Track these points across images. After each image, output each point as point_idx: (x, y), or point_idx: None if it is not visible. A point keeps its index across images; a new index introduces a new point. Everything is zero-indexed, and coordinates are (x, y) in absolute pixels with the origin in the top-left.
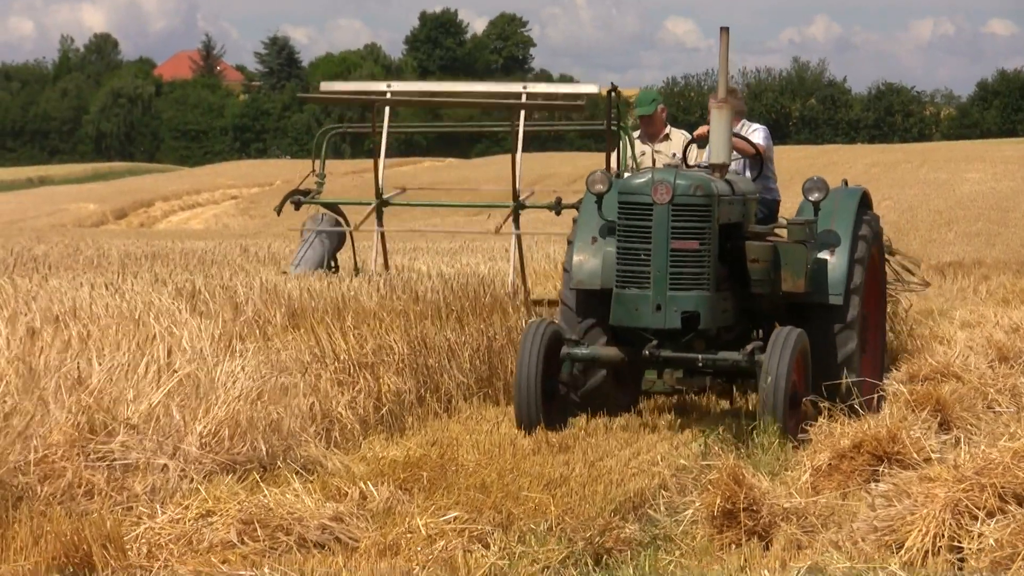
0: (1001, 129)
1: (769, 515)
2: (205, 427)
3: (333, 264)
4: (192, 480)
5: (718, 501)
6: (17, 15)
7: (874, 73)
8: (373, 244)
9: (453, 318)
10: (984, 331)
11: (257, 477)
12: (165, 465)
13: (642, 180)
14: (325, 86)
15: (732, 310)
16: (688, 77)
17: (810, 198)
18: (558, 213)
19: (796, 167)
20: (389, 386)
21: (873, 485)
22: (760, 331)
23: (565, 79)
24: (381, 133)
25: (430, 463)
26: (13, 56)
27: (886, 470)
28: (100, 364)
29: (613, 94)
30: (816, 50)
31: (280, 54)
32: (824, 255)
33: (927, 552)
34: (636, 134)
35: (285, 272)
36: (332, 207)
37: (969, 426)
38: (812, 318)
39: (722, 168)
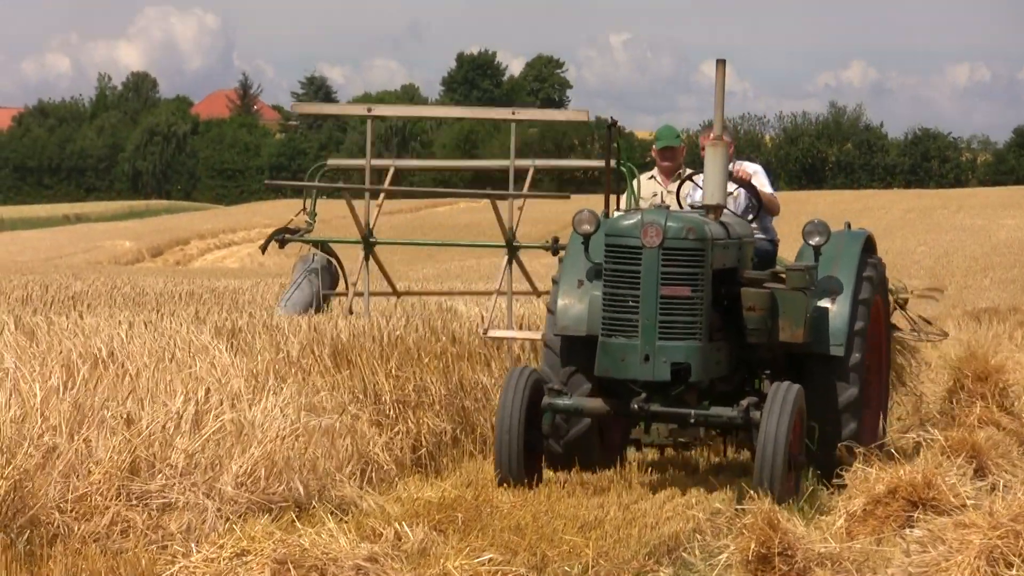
0: None
1: (804, 560)
2: (241, 467)
3: (324, 306)
4: (227, 519)
5: (753, 545)
6: (54, 52)
7: (910, 118)
8: (361, 284)
9: (482, 360)
10: (1020, 376)
11: (293, 517)
12: (201, 504)
13: (631, 221)
14: (302, 107)
15: (726, 361)
16: (725, 121)
17: (811, 242)
18: (555, 253)
19: (831, 212)
20: (428, 427)
21: (908, 531)
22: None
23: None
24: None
25: (465, 504)
26: (50, 94)
27: (921, 516)
28: (144, 406)
29: (613, 129)
30: (852, 95)
31: (317, 94)
32: (825, 303)
33: None
34: (647, 175)
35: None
36: (322, 246)
37: (1005, 472)
38: (811, 369)
39: (717, 210)
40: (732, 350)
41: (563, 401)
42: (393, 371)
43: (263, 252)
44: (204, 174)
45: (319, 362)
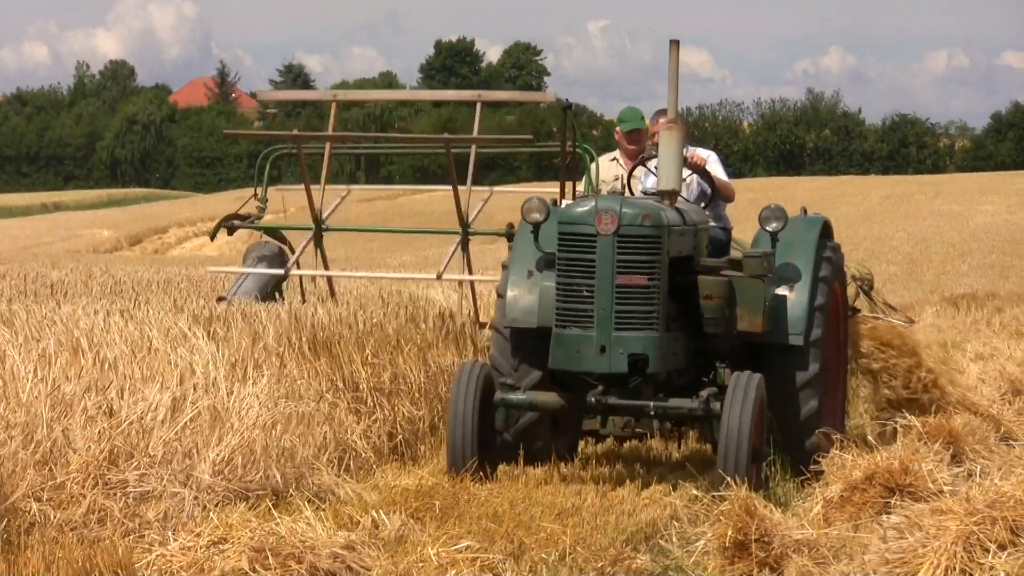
0: (1015, 161)
1: (781, 547)
2: (218, 455)
3: (279, 295)
4: (205, 508)
5: (730, 532)
6: (32, 40)
7: (888, 105)
8: (314, 270)
9: (453, 347)
10: (997, 364)
11: (270, 505)
12: (178, 493)
13: (584, 208)
14: (268, 94)
15: (683, 352)
16: (703, 107)
17: (767, 228)
18: (511, 240)
19: (811, 198)
20: (404, 415)
21: (885, 517)
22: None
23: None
24: (324, 153)
25: (442, 492)
26: (27, 82)
27: (898, 502)
28: (123, 395)
29: (569, 112)
30: (830, 82)
31: (295, 82)
32: (783, 291)
33: None
34: (610, 157)
35: (222, 298)
36: (273, 233)
37: (982, 459)
38: (770, 360)
39: (672, 195)
40: (689, 341)
41: (516, 396)
42: (370, 358)
43: (212, 239)
44: (183, 162)
45: (296, 350)
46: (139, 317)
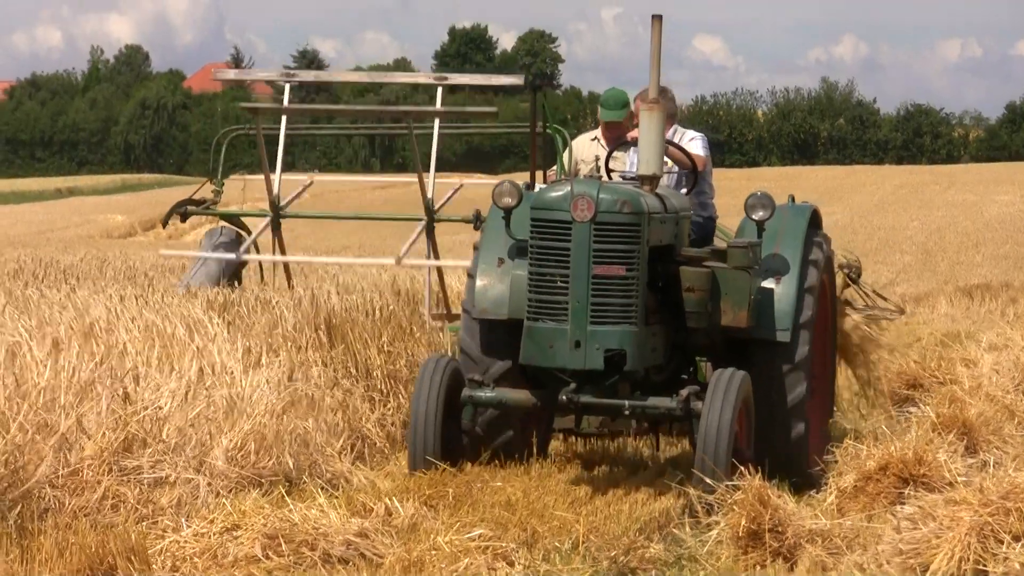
0: None
1: (794, 536)
2: (231, 441)
3: (236, 283)
4: (218, 494)
5: (743, 522)
6: (45, 25)
7: (902, 94)
8: (270, 259)
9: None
10: (1011, 354)
11: (283, 491)
12: (192, 479)
13: (559, 193)
14: (222, 74)
15: (663, 347)
16: (717, 96)
17: (753, 217)
18: (477, 227)
19: (824, 187)
20: None
21: (899, 507)
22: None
23: (594, 97)
24: (279, 137)
25: (455, 480)
26: (41, 67)
27: (912, 492)
28: (139, 382)
29: (539, 93)
30: (843, 70)
31: (309, 67)
32: (769, 284)
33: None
34: (590, 136)
35: (174, 286)
36: (231, 220)
37: (995, 449)
38: (755, 356)
39: (652, 180)
40: (669, 335)
41: (484, 393)
42: (385, 346)
43: (164, 227)
44: (196, 148)
45: (312, 336)
46: (154, 303)
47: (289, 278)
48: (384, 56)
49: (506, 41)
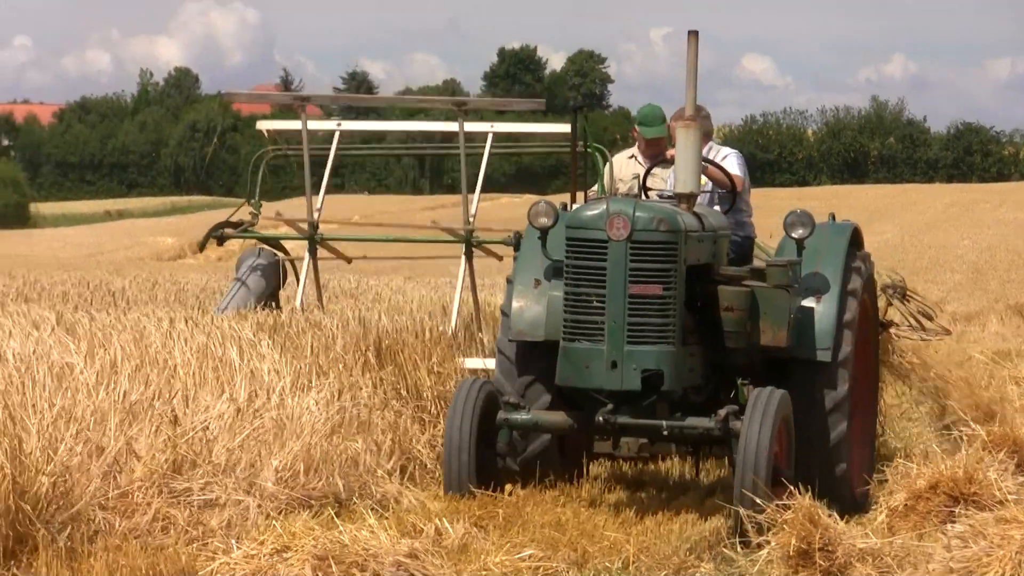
0: None
1: (844, 556)
2: (281, 462)
3: (274, 304)
4: (268, 516)
5: (793, 541)
6: (94, 48)
7: (952, 112)
8: (303, 277)
9: None
10: None
11: (332, 513)
12: (242, 501)
13: (594, 212)
14: (231, 95)
15: (701, 368)
16: (767, 115)
17: (793, 235)
18: (517, 248)
19: (875, 206)
20: None
21: (949, 526)
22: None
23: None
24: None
25: (506, 500)
26: (90, 89)
27: (962, 511)
28: (188, 404)
29: (579, 113)
30: (893, 89)
31: (358, 89)
32: (810, 303)
33: None
34: (628, 154)
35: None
36: (269, 242)
37: None
38: (795, 377)
39: (690, 199)
40: (707, 355)
41: (520, 416)
42: (435, 367)
43: (200, 250)
44: (246, 170)
45: (361, 358)
46: (204, 324)
47: (321, 302)
48: (433, 77)
49: (555, 62)
